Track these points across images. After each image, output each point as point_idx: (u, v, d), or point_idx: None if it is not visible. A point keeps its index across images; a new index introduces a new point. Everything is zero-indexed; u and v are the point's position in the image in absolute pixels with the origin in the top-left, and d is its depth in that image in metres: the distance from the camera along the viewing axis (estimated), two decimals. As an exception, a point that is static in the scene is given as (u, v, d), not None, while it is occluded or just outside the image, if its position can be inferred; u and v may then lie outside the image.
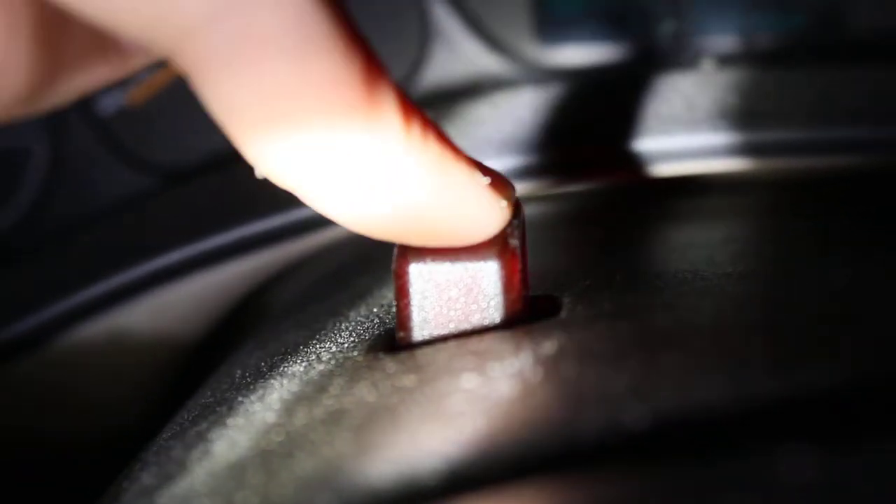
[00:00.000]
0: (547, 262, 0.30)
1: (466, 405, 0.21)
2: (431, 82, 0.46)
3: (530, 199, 0.37)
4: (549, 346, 0.23)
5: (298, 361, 0.27)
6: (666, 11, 0.45)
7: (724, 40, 0.45)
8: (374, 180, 0.21)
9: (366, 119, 0.20)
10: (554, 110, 0.39)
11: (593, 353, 0.23)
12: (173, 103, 0.46)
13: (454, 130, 0.39)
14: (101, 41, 0.22)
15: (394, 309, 0.26)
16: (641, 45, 0.45)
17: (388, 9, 0.44)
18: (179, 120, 0.46)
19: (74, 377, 0.40)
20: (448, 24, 0.45)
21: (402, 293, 0.25)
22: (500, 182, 0.24)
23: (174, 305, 0.39)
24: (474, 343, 0.24)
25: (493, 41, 0.46)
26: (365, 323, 0.28)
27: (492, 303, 0.25)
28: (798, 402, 0.20)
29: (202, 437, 0.25)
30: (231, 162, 0.45)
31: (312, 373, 0.26)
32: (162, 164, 0.46)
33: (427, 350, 0.25)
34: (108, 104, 0.46)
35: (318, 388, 0.25)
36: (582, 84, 0.40)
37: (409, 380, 0.23)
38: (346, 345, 0.27)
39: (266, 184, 0.41)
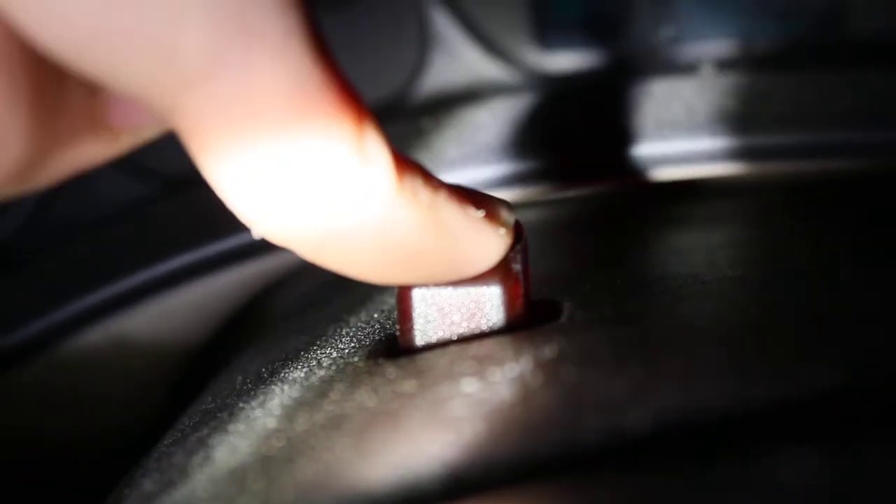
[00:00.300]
0: (547, 266, 0.30)
1: (467, 410, 0.21)
2: (431, 88, 0.46)
3: (530, 204, 0.37)
4: (549, 351, 0.23)
5: (299, 367, 0.27)
6: (664, 16, 0.45)
7: (722, 45, 0.45)
8: (369, 232, 0.21)
9: (358, 171, 0.20)
10: (553, 116, 0.39)
11: (594, 358, 0.23)
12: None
13: (453, 136, 0.40)
14: (93, 117, 0.22)
15: (394, 314, 0.26)
16: (640, 51, 0.45)
17: (388, 15, 0.44)
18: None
19: (76, 383, 0.40)
20: (447, 30, 0.45)
21: (404, 317, 0.25)
22: (495, 210, 0.24)
23: (175, 312, 0.39)
24: (474, 348, 0.24)
25: (492, 47, 0.46)
26: (365, 328, 0.29)
27: (494, 327, 0.25)
28: (799, 404, 0.20)
29: (203, 443, 0.26)
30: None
31: (313, 378, 0.26)
32: (164, 171, 0.46)
33: (427, 355, 0.25)
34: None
35: (318, 393, 0.25)
36: (581, 90, 0.40)
37: (409, 385, 0.23)
38: (346, 350, 0.27)
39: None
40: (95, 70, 0.19)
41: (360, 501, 0.20)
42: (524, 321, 0.25)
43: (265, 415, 0.25)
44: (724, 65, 0.43)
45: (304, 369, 0.27)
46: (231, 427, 0.26)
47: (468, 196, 0.23)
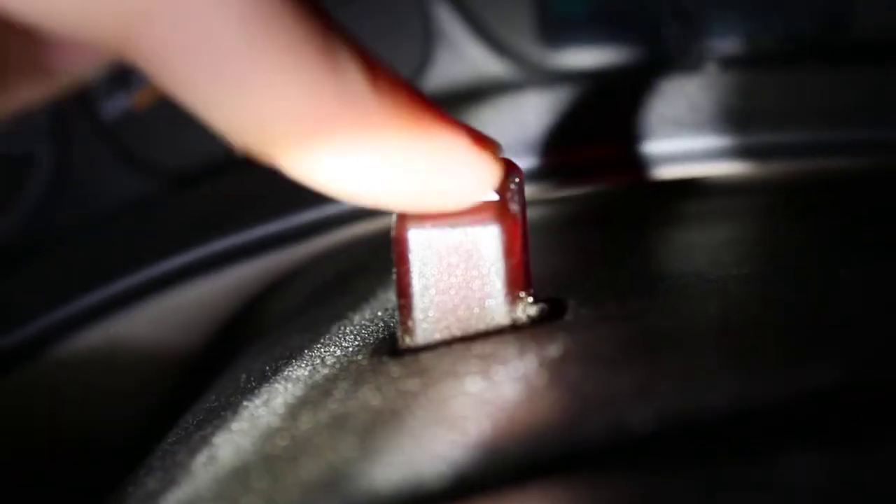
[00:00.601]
0: (551, 264, 0.30)
1: (471, 409, 0.21)
2: (435, 85, 0.46)
3: (534, 201, 0.37)
4: (553, 349, 0.23)
5: (302, 365, 0.27)
6: (670, 14, 0.45)
7: (728, 43, 0.45)
8: (347, 143, 0.21)
9: (326, 75, 0.20)
10: (558, 113, 0.39)
11: (598, 356, 0.23)
12: (177, 108, 0.46)
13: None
14: (31, 59, 0.22)
15: (397, 313, 0.26)
16: (645, 48, 0.45)
17: (391, 12, 0.44)
18: (183, 124, 0.46)
19: (78, 382, 0.40)
20: (451, 27, 0.45)
21: (401, 260, 0.25)
22: (483, 138, 0.23)
23: (178, 310, 0.39)
24: (478, 346, 0.24)
25: (496, 44, 0.46)
26: (369, 326, 0.28)
27: (493, 268, 0.25)
28: (803, 403, 0.20)
29: (207, 442, 0.26)
30: (235, 166, 0.45)
31: (317, 377, 0.26)
32: (166, 169, 0.46)
33: (431, 353, 0.25)
34: (112, 108, 0.46)
35: (322, 392, 0.25)
36: (586, 87, 0.40)
37: (413, 383, 0.23)
38: (350, 348, 0.27)
39: (269, 188, 0.41)
40: (35, 13, 0.19)
41: (364, 500, 0.19)
42: (526, 287, 0.25)
43: (269, 413, 0.25)
44: (728, 63, 0.43)
45: (308, 367, 0.27)
46: (235, 426, 0.26)
47: (457, 122, 0.23)
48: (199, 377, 0.38)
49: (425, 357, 0.25)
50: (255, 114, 0.20)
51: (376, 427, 0.22)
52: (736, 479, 0.18)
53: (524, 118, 0.39)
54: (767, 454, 0.18)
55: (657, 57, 0.45)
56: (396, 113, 0.21)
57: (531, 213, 0.27)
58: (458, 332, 0.25)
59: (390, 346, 0.26)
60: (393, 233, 0.25)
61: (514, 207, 0.25)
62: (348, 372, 0.25)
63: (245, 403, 0.27)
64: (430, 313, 0.25)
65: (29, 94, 0.23)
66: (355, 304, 0.31)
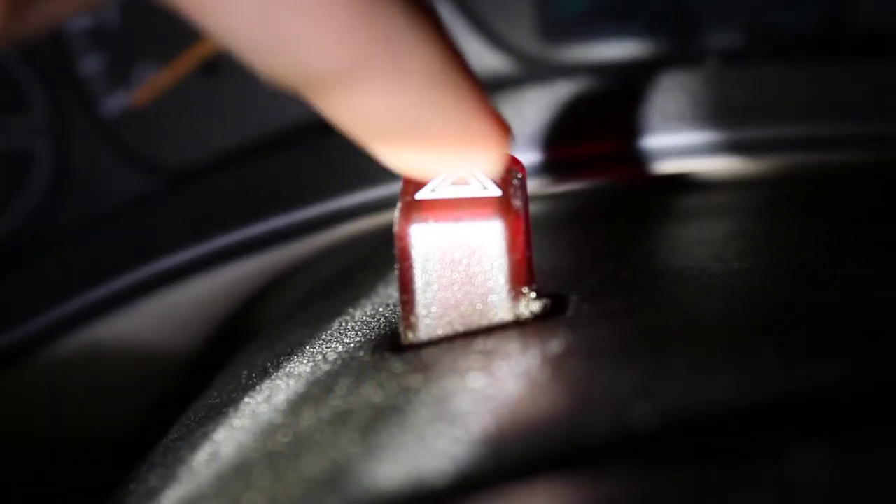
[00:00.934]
0: (553, 260, 0.30)
1: (473, 405, 0.21)
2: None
3: (535, 197, 0.37)
4: (556, 345, 0.23)
5: (304, 362, 0.27)
6: (671, 8, 0.45)
7: (729, 37, 0.44)
8: (382, 82, 0.22)
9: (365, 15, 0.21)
10: (558, 108, 0.39)
11: (600, 352, 0.23)
12: (177, 104, 0.46)
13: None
14: None
15: (399, 309, 0.26)
16: (646, 43, 0.45)
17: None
18: (183, 121, 0.46)
19: (81, 378, 0.40)
20: (452, 22, 0.45)
21: (403, 255, 0.25)
22: (498, 114, 0.24)
23: (179, 307, 0.39)
24: (481, 342, 0.24)
25: (497, 39, 0.45)
26: (371, 323, 0.28)
27: (495, 264, 0.25)
28: (808, 399, 0.20)
29: (209, 439, 0.25)
30: (235, 163, 0.45)
31: (318, 373, 0.26)
32: (166, 166, 0.46)
33: (433, 349, 0.25)
34: (113, 105, 0.46)
35: (324, 388, 0.25)
36: (586, 82, 0.40)
37: (415, 380, 0.23)
38: (351, 345, 0.27)
39: (270, 184, 0.41)
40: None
41: (366, 497, 0.19)
42: (528, 283, 0.25)
43: (270, 410, 0.25)
44: (729, 58, 0.43)
45: (310, 364, 0.27)
46: (236, 422, 0.26)
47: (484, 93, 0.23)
48: (201, 373, 0.38)
49: (427, 353, 0.25)
50: (300, 52, 0.21)
51: (378, 423, 0.22)
52: (737, 476, 0.18)
53: (525, 113, 0.39)
54: (769, 452, 0.18)
55: (658, 52, 0.45)
56: (431, 63, 0.22)
57: (533, 208, 0.27)
58: (460, 328, 0.25)
59: (392, 342, 0.26)
60: (395, 228, 0.25)
61: (517, 203, 0.25)
62: (350, 368, 0.25)
63: (247, 400, 0.27)
64: (433, 309, 0.25)
65: (62, 6, 0.23)
66: (357, 299, 0.31)
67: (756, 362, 0.21)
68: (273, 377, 0.27)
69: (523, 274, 0.25)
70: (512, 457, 0.19)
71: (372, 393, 0.23)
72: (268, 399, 0.26)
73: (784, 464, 0.17)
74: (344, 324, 0.29)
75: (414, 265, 0.25)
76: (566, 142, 0.38)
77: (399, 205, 0.25)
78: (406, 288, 0.25)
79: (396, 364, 0.24)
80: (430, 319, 0.25)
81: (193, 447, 0.26)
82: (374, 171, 0.39)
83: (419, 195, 0.25)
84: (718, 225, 0.33)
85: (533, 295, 0.25)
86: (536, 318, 0.25)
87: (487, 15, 0.45)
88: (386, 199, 0.38)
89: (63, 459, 0.42)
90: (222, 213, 0.40)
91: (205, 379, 0.34)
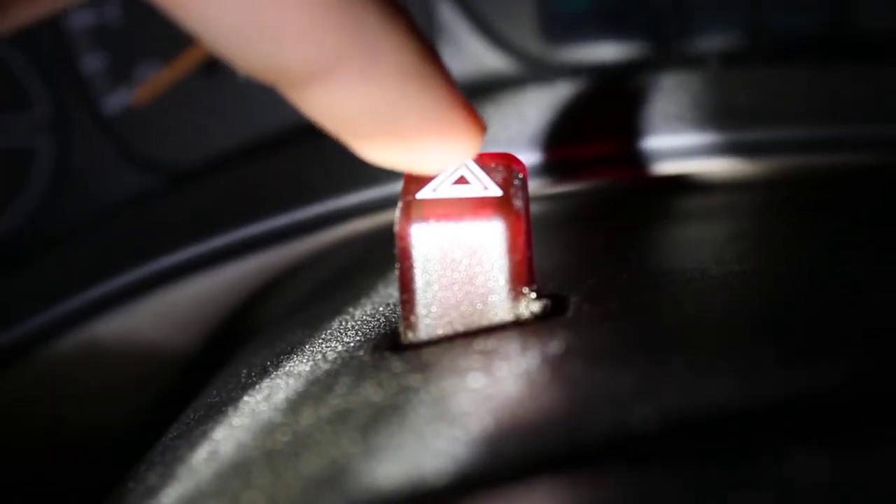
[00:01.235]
0: (554, 260, 0.30)
1: (473, 405, 0.21)
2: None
3: (536, 198, 0.37)
4: (555, 346, 0.23)
5: (304, 361, 0.27)
6: (672, 9, 0.45)
7: (730, 38, 0.44)
8: (358, 77, 0.22)
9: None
10: (559, 109, 0.39)
11: (600, 353, 0.23)
12: (178, 104, 0.46)
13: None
14: None
15: (399, 308, 0.26)
16: (647, 44, 0.45)
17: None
18: (184, 120, 0.46)
19: (80, 377, 0.40)
20: (453, 21, 0.45)
21: (404, 255, 0.25)
22: (470, 108, 0.24)
23: (179, 305, 0.39)
24: (481, 342, 0.24)
25: (498, 39, 0.45)
26: (370, 322, 0.28)
27: (496, 264, 0.25)
28: (808, 400, 0.20)
29: (208, 437, 0.25)
30: (235, 162, 0.45)
31: (318, 372, 0.26)
32: (167, 164, 0.46)
33: (433, 349, 0.25)
34: (114, 104, 0.46)
35: (324, 387, 0.25)
36: (587, 82, 0.40)
37: (415, 379, 0.23)
38: (351, 344, 0.27)
39: (270, 183, 0.41)
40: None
41: (365, 496, 0.19)
42: (529, 284, 0.25)
43: (270, 409, 0.25)
44: (731, 58, 0.43)
45: (309, 363, 0.27)
46: (236, 421, 0.26)
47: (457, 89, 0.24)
48: (200, 372, 0.38)
49: (427, 353, 0.25)
50: (280, 49, 0.21)
51: (378, 423, 0.22)
52: (737, 477, 0.18)
53: (526, 114, 0.39)
54: (769, 452, 0.18)
55: (658, 53, 0.45)
56: (405, 58, 0.22)
57: (533, 208, 0.27)
58: (460, 328, 0.25)
59: (392, 342, 0.26)
60: (396, 228, 0.25)
61: (518, 203, 0.25)
62: (350, 367, 0.25)
63: (246, 399, 0.27)
64: (433, 309, 0.25)
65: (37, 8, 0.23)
66: (357, 299, 0.31)
67: (756, 363, 0.21)
68: (273, 376, 0.27)
69: (524, 274, 0.25)
70: (511, 457, 0.19)
71: (372, 392, 0.23)
72: (267, 398, 0.26)
73: (784, 464, 0.17)
74: (344, 323, 0.29)
75: (414, 265, 0.25)
76: (567, 142, 0.38)
77: (400, 204, 0.25)
78: (406, 287, 0.25)
79: (396, 363, 0.24)
80: (431, 319, 0.25)
81: (193, 446, 0.26)
82: (374, 171, 0.38)
83: (420, 195, 0.25)
84: (718, 226, 0.33)
85: (533, 295, 0.25)
86: (536, 319, 0.25)
87: (488, 15, 0.45)
88: (386, 199, 0.38)
89: (62, 458, 0.42)
90: (222, 212, 0.40)
91: (204, 378, 0.34)
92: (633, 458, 0.19)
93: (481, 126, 0.24)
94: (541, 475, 0.19)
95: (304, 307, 0.35)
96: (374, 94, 0.22)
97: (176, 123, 0.46)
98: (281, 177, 0.41)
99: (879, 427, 0.19)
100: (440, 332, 0.25)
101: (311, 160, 0.41)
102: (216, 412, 0.27)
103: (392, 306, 0.29)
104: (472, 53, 0.45)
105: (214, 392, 0.30)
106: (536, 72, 0.45)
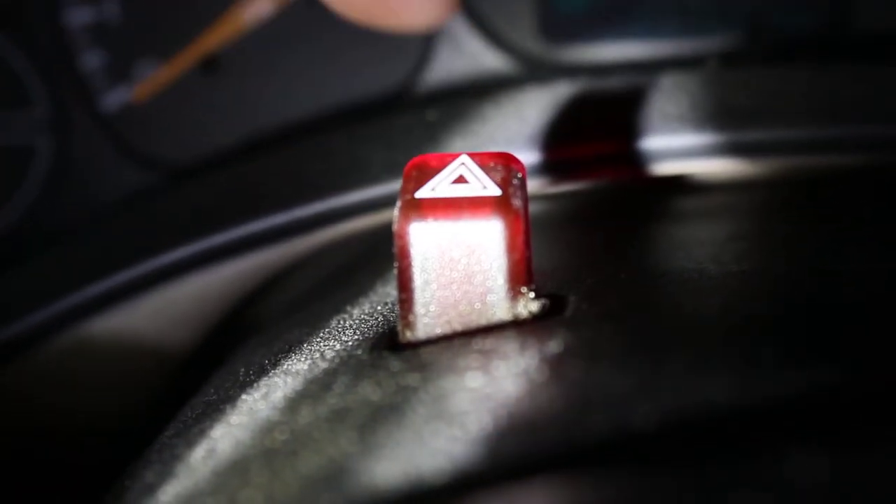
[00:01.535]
0: (552, 260, 0.30)
1: (471, 404, 0.21)
2: (436, 80, 0.46)
3: (535, 197, 0.37)
4: (554, 345, 0.23)
5: (302, 359, 0.27)
6: (671, 9, 0.45)
7: (730, 39, 0.44)
8: None
9: None
10: (559, 108, 0.39)
11: (599, 353, 0.23)
12: (177, 101, 0.46)
13: (458, 128, 0.39)
14: None
15: (398, 307, 0.26)
16: (647, 44, 0.45)
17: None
18: (183, 117, 0.46)
19: (77, 374, 0.40)
20: (454, 21, 0.45)
21: (403, 254, 0.25)
22: None
23: (177, 303, 0.39)
24: (479, 341, 0.24)
25: (497, 39, 0.45)
26: (369, 321, 0.28)
27: (494, 263, 0.25)
28: (808, 400, 0.20)
29: (206, 436, 0.25)
30: (234, 159, 0.45)
31: (316, 371, 0.26)
32: (166, 162, 0.46)
33: (431, 348, 0.25)
34: (113, 101, 0.46)
35: (322, 386, 0.25)
36: (587, 82, 0.40)
37: (413, 378, 0.23)
38: (350, 343, 0.27)
39: (269, 181, 0.41)
40: None
41: (363, 495, 0.19)
42: (527, 284, 0.25)
43: (268, 407, 0.25)
44: (729, 59, 0.43)
45: (307, 361, 0.27)
46: (234, 419, 0.26)
47: None
48: (198, 370, 0.38)
49: (425, 352, 0.24)
50: None
51: (376, 422, 0.22)
52: (737, 477, 0.18)
53: (525, 113, 0.39)
54: (769, 452, 0.18)
55: (658, 53, 0.45)
56: None
57: (532, 208, 0.27)
58: (458, 327, 0.25)
59: (390, 341, 0.26)
60: (395, 227, 0.25)
61: (517, 202, 0.25)
62: (348, 366, 0.25)
63: (244, 397, 0.27)
64: (431, 308, 0.25)
65: None
66: (355, 298, 0.31)
67: (755, 363, 0.21)
68: (271, 374, 0.27)
69: (522, 274, 0.25)
70: (510, 456, 0.19)
71: (370, 391, 0.23)
72: (265, 396, 0.26)
73: (784, 464, 0.17)
74: (342, 322, 0.29)
75: (413, 264, 0.25)
76: (566, 142, 0.38)
77: (398, 203, 0.25)
78: (405, 286, 0.25)
79: (394, 362, 0.24)
80: (429, 318, 0.25)
81: (191, 444, 0.26)
82: (374, 170, 0.39)
83: (419, 194, 0.25)
84: (717, 226, 0.33)
85: (531, 295, 0.25)
86: (535, 318, 0.25)
87: (489, 15, 0.45)
88: (385, 198, 0.38)
89: (61, 455, 0.42)
90: (221, 209, 0.40)
91: (202, 375, 0.34)
92: (632, 458, 0.19)
93: None
94: (539, 474, 0.19)
95: (303, 306, 0.35)
96: None
97: (175, 121, 0.46)
98: (280, 175, 0.41)
99: (879, 427, 0.19)
100: (438, 331, 0.25)
101: (311, 158, 0.41)
102: (214, 410, 0.27)
103: (390, 305, 0.29)
104: (472, 53, 0.45)
105: (213, 390, 0.30)
106: (536, 72, 0.45)
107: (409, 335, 0.25)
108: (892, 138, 0.36)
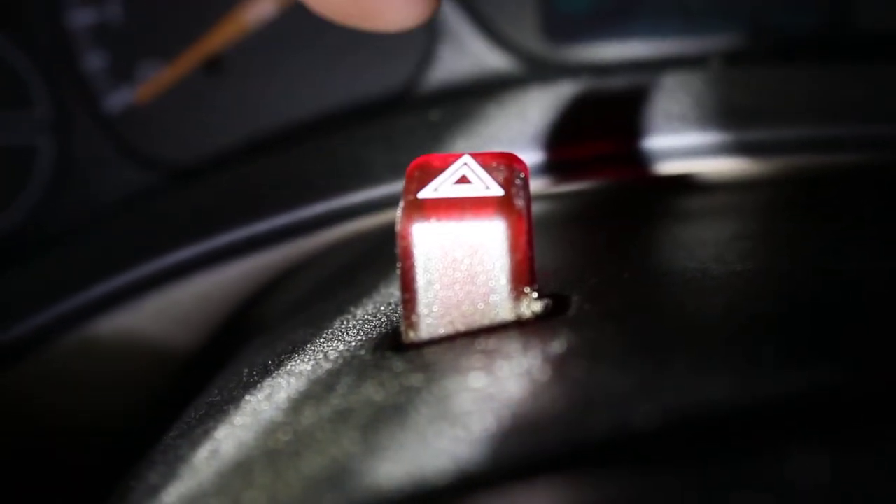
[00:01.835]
0: (555, 260, 0.30)
1: (474, 404, 0.21)
2: (438, 80, 0.46)
3: (537, 197, 0.37)
4: (557, 345, 0.23)
5: (306, 360, 0.27)
6: (673, 9, 0.45)
7: (732, 38, 0.44)
8: None
9: None
10: (561, 108, 0.39)
11: (601, 353, 0.23)
12: (180, 102, 0.46)
13: (461, 128, 0.39)
14: None
15: (401, 308, 0.26)
16: (649, 43, 0.45)
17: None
18: (186, 118, 0.46)
19: (81, 375, 0.40)
20: (456, 21, 0.45)
21: (405, 254, 0.25)
22: None
23: (181, 304, 0.39)
24: (482, 342, 0.24)
25: (500, 39, 0.45)
26: (372, 321, 0.28)
27: (497, 264, 0.25)
28: (809, 399, 0.20)
29: (209, 436, 0.25)
30: (237, 160, 0.45)
31: (320, 371, 0.26)
32: (168, 163, 0.46)
33: (435, 348, 0.25)
34: (115, 102, 0.46)
35: (325, 386, 0.25)
36: (589, 82, 0.40)
37: (416, 379, 0.23)
38: (353, 343, 0.27)
39: (272, 182, 0.41)
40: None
41: (367, 496, 0.19)
42: (530, 284, 0.25)
43: (271, 408, 0.25)
44: (733, 58, 0.43)
45: (311, 362, 0.27)
46: (237, 420, 0.26)
47: None
48: (202, 371, 0.38)
49: (428, 352, 0.25)
50: None
51: (379, 422, 0.22)
52: (737, 477, 0.18)
53: (528, 113, 0.39)
54: (770, 452, 0.18)
55: (661, 52, 0.45)
56: None
57: (535, 208, 0.27)
58: (461, 328, 0.25)
59: (393, 341, 0.26)
60: (397, 227, 0.25)
61: (520, 203, 0.25)
62: (351, 367, 0.25)
63: (248, 398, 0.27)
64: (434, 308, 0.25)
65: None
66: (358, 298, 0.31)
67: (757, 362, 0.21)
68: (274, 375, 0.27)
69: (525, 274, 0.25)
70: (513, 457, 0.19)
71: (373, 392, 0.23)
72: (269, 397, 0.26)
73: (785, 464, 0.17)
74: (345, 322, 0.29)
75: (416, 264, 0.25)
76: (569, 142, 0.38)
77: (401, 204, 0.25)
78: (408, 287, 0.25)
79: (398, 363, 0.24)
80: (432, 318, 0.25)
81: (194, 445, 0.26)
82: (377, 170, 0.39)
83: (421, 194, 0.25)
84: (721, 226, 0.33)
85: (534, 295, 0.25)
86: (538, 318, 0.25)
87: (491, 14, 0.45)
88: (388, 198, 0.38)
89: (64, 456, 0.42)
90: (224, 210, 0.40)
91: (206, 376, 0.34)
92: (634, 458, 0.19)
93: None
94: (542, 475, 0.19)
95: (306, 306, 0.35)
96: None
97: (177, 122, 0.46)
98: (283, 175, 0.41)
99: (880, 426, 0.19)
100: (441, 331, 0.25)
101: (313, 159, 0.41)
102: (218, 411, 0.27)
103: (393, 305, 0.29)
104: (475, 53, 0.45)
105: (216, 391, 0.30)
106: (538, 71, 0.45)
107: (412, 335, 0.25)
108: (892, 137, 0.36)
